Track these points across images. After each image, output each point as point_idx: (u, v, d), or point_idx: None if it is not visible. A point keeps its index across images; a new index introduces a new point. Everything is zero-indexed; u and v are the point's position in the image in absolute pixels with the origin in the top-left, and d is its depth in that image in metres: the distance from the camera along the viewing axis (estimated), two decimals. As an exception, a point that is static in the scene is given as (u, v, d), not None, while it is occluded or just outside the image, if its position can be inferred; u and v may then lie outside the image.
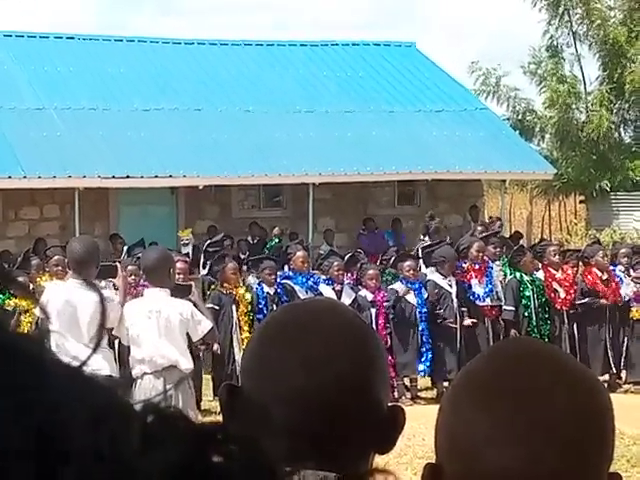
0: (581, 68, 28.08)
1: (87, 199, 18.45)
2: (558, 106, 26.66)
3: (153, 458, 0.70)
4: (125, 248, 15.06)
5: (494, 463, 1.30)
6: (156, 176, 18.49)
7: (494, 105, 27.69)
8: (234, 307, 11.46)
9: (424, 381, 12.45)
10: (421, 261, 13.18)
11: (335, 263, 12.06)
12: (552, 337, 12.06)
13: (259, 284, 11.82)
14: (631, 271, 12.69)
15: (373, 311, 11.75)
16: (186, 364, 7.63)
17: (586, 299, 12.38)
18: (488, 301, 12.28)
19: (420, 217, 21.95)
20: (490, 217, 21.00)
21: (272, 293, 11.70)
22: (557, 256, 12.57)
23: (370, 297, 11.84)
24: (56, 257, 11.57)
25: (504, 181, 22.26)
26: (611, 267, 12.65)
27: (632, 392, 12.34)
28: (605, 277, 12.45)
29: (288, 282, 11.94)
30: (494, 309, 12.32)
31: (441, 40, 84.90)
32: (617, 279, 12.56)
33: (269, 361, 1.48)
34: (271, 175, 19.35)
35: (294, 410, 1.43)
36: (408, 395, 12.03)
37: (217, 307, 11.29)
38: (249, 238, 19.14)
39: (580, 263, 13.02)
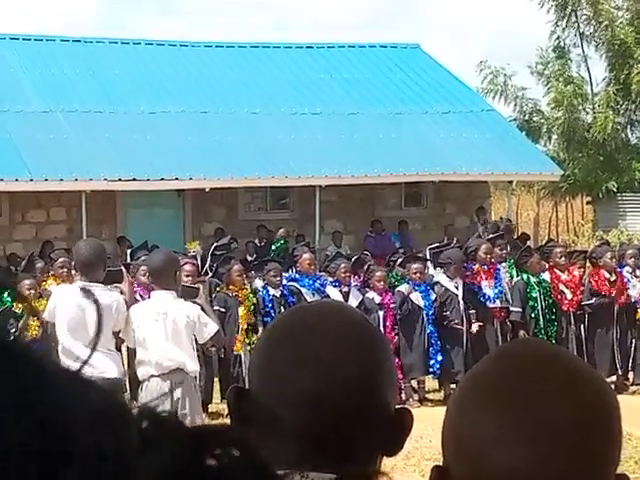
0: (588, 69, 28.08)
1: (94, 202, 18.48)
2: (564, 107, 26.63)
3: (150, 461, 0.70)
4: (128, 251, 15.05)
5: (501, 464, 1.30)
6: (162, 179, 18.52)
7: (501, 105, 27.73)
8: (240, 309, 11.46)
9: (432, 383, 12.44)
10: (428, 262, 13.18)
11: (342, 265, 12.04)
12: (559, 338, 12.04)
13: (265, 287, 11.81)
14: (637, 272, 12.67)
15: (381, 313, 11.74)
16: (192, 367, 7.63)
17: (592, 299, 12.36)
18: (498, 303, 12.27)
19: (427, 219, 21.97)
20: (501, 217, 20.94)
21: (278, 295, 11.69)
22: (563, 258, 12.56)
23: (378, 299, 11.83)
24: (61, 259, 11.58)
25: (511, 182, 22.26)
26: (618, 268, 12.63)
27: (639, 393, 12.31)
28: (613, 278, 12.43)
29: (295, 284, 11.93)
30: (503, 311, 12.31)
31: (442, 40, 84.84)
32: (625, 280, 12.54)
33: (276, 364, 1.48)
34: (278, 177, 19.37)
35: (301, 413, 1.43)
36: (416, 397, 12.02)
37: (223, 309, 11.28)
38: (256, 241, 19.14)
39: (588, 264, 13.00)
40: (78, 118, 19.63)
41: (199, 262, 16.73)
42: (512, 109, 28.13)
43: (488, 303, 12.21)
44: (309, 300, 10.65)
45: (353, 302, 11.23)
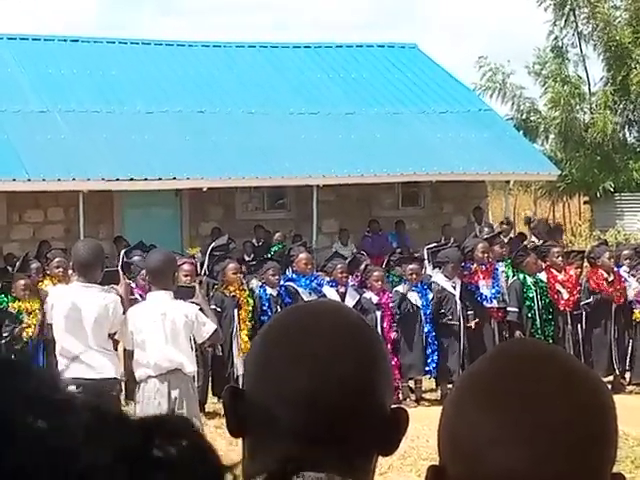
0: (585, 69, 28.09)
1: (91, 202, 18.48)
2: (561, 107, 26.64)
3: (93, 452, 0.70)
4: (123, 251, 15.00)
5: (498, 465, 1.30)
6: (160, 178, 18.51)
7: (499, 104, 27.74)
8: (236, 310, 11.46)
9: (428, 383, 12.44)
10: (426, 262, 13.18)
11: (339, 265, 12.04)
12: (556, 338, 12.04)
13: (262, 286, 11.82)
14: (634, 272, 12.68)
15: (378, 313, 11.74)
16: (190, 367, 7.63)
17: (590, 299, 12.37)
18: (495, 303, 12.27)
19: (424, 218, 21.97)
20: (506, 219, 20.92)
21: (275, 295, 11.69)
22: (560, 257, 12.56)
23: (375, 299, 11.83)
24: (57, 259, 11.57)
25: (508, 182, 22.27)
26: (615, 268, 12.63)
27: (636, 393, 12.32)
28: (611, 278, 12.44)
29: (291, 284, 11.92)
30: (500, 311, 12.31)
31: (441, 40, 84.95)
32: (623, 280, 12.55)
33: (272, 363, 1.48)
34: (275, 177, 19.38)
35: (297, 412, 1.43)
36: (413, 397, 12.02)
37: (219, 309, 11.28)
38: (254, 240, 19.14)
39: (586, 264, 13.01)
40: (76, 118, 19.62)
41: (199, 268, 16.73)
42: (510, 108, 28.18)
43: (485, 303, 12.22)
44: (305, 300, 10.65)
45: (350, 302, 11.23)
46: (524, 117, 27.94)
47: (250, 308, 11.52)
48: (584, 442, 1.30)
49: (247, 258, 16.70)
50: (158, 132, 19.61)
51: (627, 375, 12.71)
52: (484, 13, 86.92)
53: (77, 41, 22.58)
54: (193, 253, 16.05)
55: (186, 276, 9.76)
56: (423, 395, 12.21)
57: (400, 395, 11.67)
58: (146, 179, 18.41)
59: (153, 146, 19.21)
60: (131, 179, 18.31)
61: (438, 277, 12.27)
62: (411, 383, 12.21)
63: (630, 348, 12.56)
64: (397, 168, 19.98)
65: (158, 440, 0.73)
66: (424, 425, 8.85)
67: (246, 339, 11.21)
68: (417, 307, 11.92)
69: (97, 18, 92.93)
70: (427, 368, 11.99)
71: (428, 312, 11.96)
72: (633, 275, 12.65)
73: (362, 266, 12.54)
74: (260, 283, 11.96)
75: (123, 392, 9.26)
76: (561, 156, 27.16)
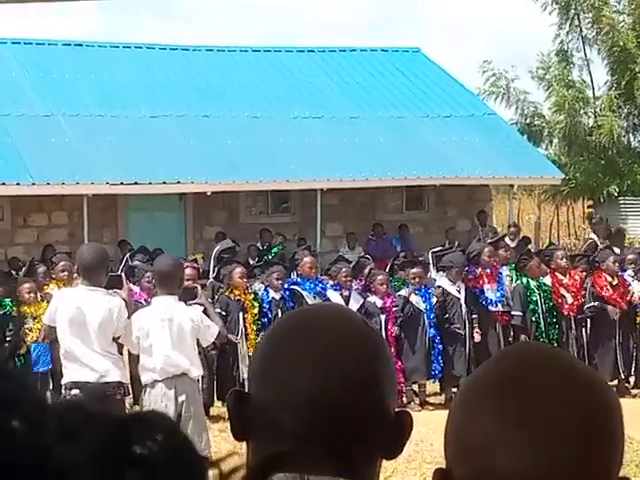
0: (590, 73, 28.08)
1: (95, 206, 18.49)
2: (565, 111, 26.64)
3: (72, 448, 0.70)
4: (127, 255, 15.00)
5: (503, 466, 1.29)
6: (164, 182, 18.52)
7: (502, 108, 27.74)
8: (241, 314, 11.46)
9: (433, 387, 12.43)
10: (431, 266, 13.18)
11: (343, 269, 12.05)
12: (560, 342, 12.03)
13: (265, 289, 11.84)
14: (639, 275, 12.68)
15: (382, 317, 11.73)
16: (196, 372, 7.66)
17: (593, 303, 12.36)
18: (500, 307, 12.25)
19: (428, 222, 21.97)
20: (514, 223, 20.92)
21: (278, 298, 11.69)
22: (565, 260, 12.55)
23: (379, 303, 11.82)
24: (62, 263, 11.58)
25: (512, 186, 22.26)
26: (620, 272, 12.62)
27: (641, 397, 12.31)
28: (615, 282, 12.42)
29: (296, 288, 11.93)
30: (505, 315, 12.30)
31: (442, 42, 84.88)
32: (627, 284, 12.53)
33: (276, 365, 1.48)
34: (279, 181, 19.38)
35: (300, 412, 1.43)
36: (417, 401, 12.01)
37: (224, 312, 11.29)
38: (259, 244, 19.15)
39: (591, 268, 12.99)
40: (80, 122, 19.64)
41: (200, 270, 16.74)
42: (514, 112, 28.18)
43: (490, 307, 12.20)
44: (310, 303, 10.65)
45: (354, 306, 11.23)
46: (528, 121, 27.94)
47: (256, 311, 11.53)
48: (589, 444, 1.30)
49: (252, 262, 16.70)
50: (162, 136, 19.62)
51: (631, 379, 12.69)
52: (486, 15, 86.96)
53: (81, 45, 22.61)
54: (195, 257, 16.05)
55: (188, 280, 9.77)
56: (427, 399, 12.20)
57: (404, 399, 11.66)
58: (150, 183, 18.41)
59: (157, 150, 19.21)
60: (135, 183, 18.31)
61: (442, 281, 12.26)
62: (415, 387, 12.20)
63: (634, 352, 12.55)
64: (401, 172, 19.99)
65: (135, 437, 0.73)
66: (429, 429, 8.85)
67: (254, 343, 11.21)
68: (420, 311, 11.92)
69: (98, 21, 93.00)
70: (432, 372, 11.99)
71: (432, 316, 11.96)
72: (638, 279, 12.64)
73: (366, 270, 12.53)
74: (263, 286, 11.97)
75: (130, 396, 9.25)
76: (565, 160, 27.16)
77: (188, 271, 9.99)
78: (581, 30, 27.49)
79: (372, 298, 11.87)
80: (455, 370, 11.89)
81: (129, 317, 7.47)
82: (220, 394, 11.17)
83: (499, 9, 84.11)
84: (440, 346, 11.96)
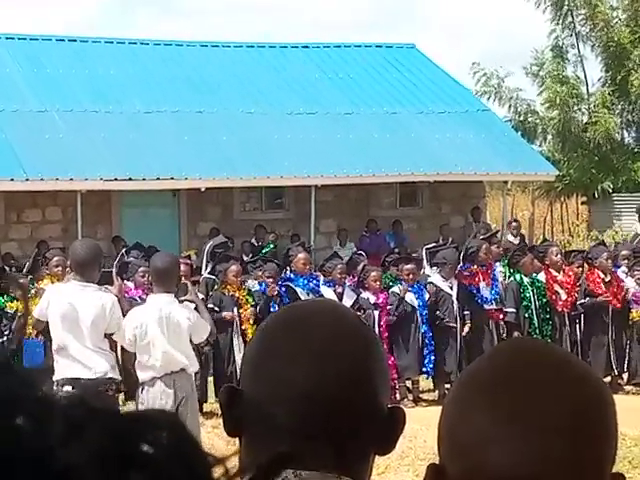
0: (584, 69, 28.11)
1: (89, 202, 18.47)
2: (559, 107, 26.65)
3: (77, 447, 0.70)
4: (123, 251, 14.97)
5: (496, 462, 1.29)
6: (158, 178, 18.50)
7: (496, 106, 27.74)
8: (236, 309, 11.45)
9: (426, 383, 12.44)
10: (425, 262, 13.18)
11: (338, 266, 12.06)
12: (554, 338, 12.04)
13: (260, 283, 11.85)
14: (632, 272, 12.69)
15: (376, 313, 11.73)
16: (193, 368, 7.68)
17: (586, 300, 12.37)
18: (494, 304, 12.25)
19: (422, 218, 21.97)
20: (515, 218, 20.98)
21: (274, 295, 11.71)
22: (559, 256, 12.56)
23: (373, 299, 11.83)
24: (56, 258, 11.58)
25: (506, 182, 22.27)
26: (614, 268, 12.63)
27: (634, 393, 12.33)
28: (608, 279, 12.43)
29: (290, 284, 11.93)
30: (499, 312, 12.30)
31: (441, 40, 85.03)
32: (620, 281, 12.54)
33: (269, 360, 1.48)
34: (273, 177, 19.37)
35: (293, 407, 1.43)
36: (410, 397, 12.02)
37: (217, 308, 11.29)
38: (253, 240, 19.15)
39: (584, 264, 13.00)
40: (74, 117, 19.61)
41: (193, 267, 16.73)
42: (507, 110, 28.19)
43: (485, 305, 12.20)
44: (303, 299, 10.65)
45: (347, 302, 11.24)
46: (522, 118, 27.96)
47: (250, 307, 11.51)
48: (583, 440, 1.30)
49: (246, 258, 16.69)
50: (156, 132, 19.60)
51: (625, 376, 12.71)
52: (484, 13, 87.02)
53: (75, 41, 22.56)
54: (189, 254, 16.05)
55: (181, 276, 9.76)
56: (421, 395, 12.21)
57: (398, 395, 11.67)
58: (144, 179, 18.39)
59: (151, 146, 19.19)
60: (129, 179, 18.30)
61: (435, 278, 12.26)
62: (408, 383, 12.20)
63: (628, 348, 12.56)
64: (395, 168, 19.98)
65: (141, 434, 0.73)
66: (422, 425, 8.85)
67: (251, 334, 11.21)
68: (413, 307, 11.92)
69: (96, 18, 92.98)
70: (424, 369, 11.99)
71: (424, 312, 11.96)
72: (631, 276, 12.65)
73: (360, 266, 12.53)
74: (256, 282, 11.99)
75: (122, 392, 9.24)
76: (559, 156, 27.19)
77: (181, 267, 9.98)
78: (574, 26, 27.51)
79: (365, 294, 11.88)
80: (447, 367, 11.90)
81: (122, 314, 7.47)
82: (217, 390, 11.17)
83: (498, 8, 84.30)
84: (433, 342, 11.97)
